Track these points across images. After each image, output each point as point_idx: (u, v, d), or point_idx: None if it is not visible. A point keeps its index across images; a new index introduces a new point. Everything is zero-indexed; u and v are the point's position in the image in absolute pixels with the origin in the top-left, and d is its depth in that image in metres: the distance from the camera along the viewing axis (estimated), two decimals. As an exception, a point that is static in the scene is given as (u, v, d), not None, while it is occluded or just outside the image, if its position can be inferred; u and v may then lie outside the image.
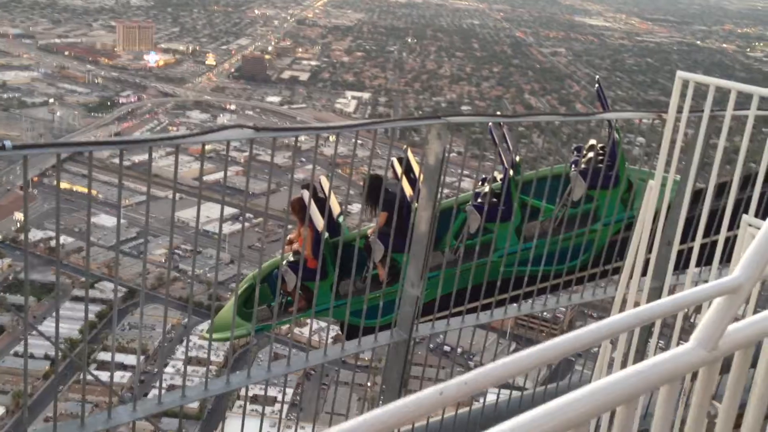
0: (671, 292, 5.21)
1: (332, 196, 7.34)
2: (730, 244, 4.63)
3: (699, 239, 4.66)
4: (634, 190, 7.30)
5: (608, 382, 1.43)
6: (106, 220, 58.12)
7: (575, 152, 8.36)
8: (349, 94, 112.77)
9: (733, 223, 4.55)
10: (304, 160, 44.29)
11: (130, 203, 62.43)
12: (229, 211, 56.58)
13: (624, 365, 4.57)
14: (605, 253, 6.53)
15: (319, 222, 6.91)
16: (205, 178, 5.76)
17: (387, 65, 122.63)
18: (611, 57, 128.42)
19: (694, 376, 1.79)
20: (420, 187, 5.19)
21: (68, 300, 52.89)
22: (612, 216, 7.00)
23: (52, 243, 62.67)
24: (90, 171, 3.84)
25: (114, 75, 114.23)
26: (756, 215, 4.26)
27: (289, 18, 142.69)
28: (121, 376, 44.86)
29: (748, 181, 4.95)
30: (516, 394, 6.93)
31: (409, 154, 7.08)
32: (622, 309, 5.28)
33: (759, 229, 3.89)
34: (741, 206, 4.58)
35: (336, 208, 7.68)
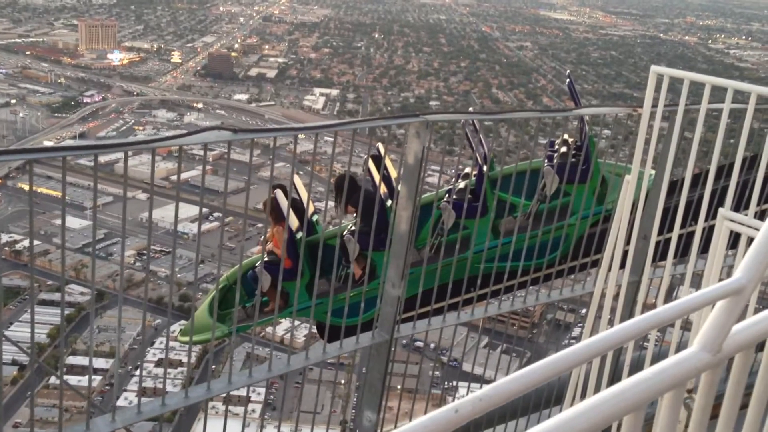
0: (649, 285, 5.25)
1: (304, 194, 7.30)
2: (704, 235, 4.68)
3: (676, 232, 4.69)
4: (611, 185, 7.34)
5: (615, 392, 1.40)
6: (71, 221, 57.26)
7: (548, 147, 8.37)
8: (317, 90, 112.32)
9: (708, 214, 4.60)
10: (271, 158, 43.90)
11: (98, 204, 61.60)
12: (194, 210, 56.07)
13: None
14: (583, 246, 6.55)
15: (294, 222, 6.86)
16: (173, 177, 5.65)
17: (354, 61, 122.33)
18: (576, 50, 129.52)
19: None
20: (399, 187, 5.14)
21: (35, 304, 51.97)
22: (589, 209, 7.02)
23: (17, 246, 61.60)
24: (64, 177, 3.74)
25: (77, 74, 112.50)
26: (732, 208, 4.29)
27: (254, 15, 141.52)
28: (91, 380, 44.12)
29: (722, 171, 5.00)
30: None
31: (382, 150, 7.05)
32: (600, 303, 5.31)
33: (735, 222, 3.92)
34: (716, 196, 4.63)
35: (310, 208, 7.62)
